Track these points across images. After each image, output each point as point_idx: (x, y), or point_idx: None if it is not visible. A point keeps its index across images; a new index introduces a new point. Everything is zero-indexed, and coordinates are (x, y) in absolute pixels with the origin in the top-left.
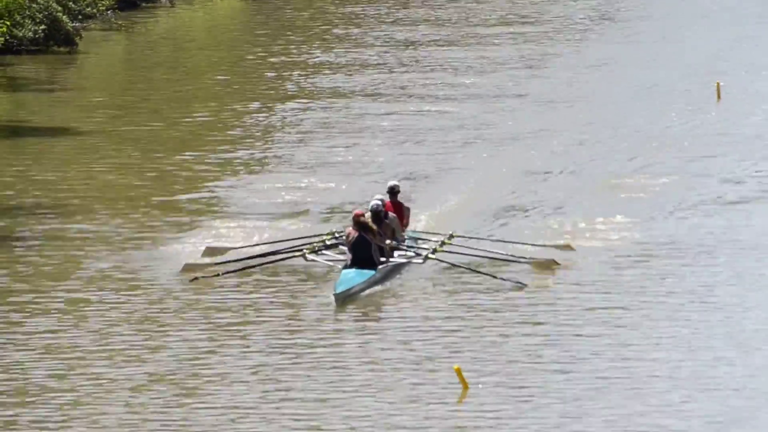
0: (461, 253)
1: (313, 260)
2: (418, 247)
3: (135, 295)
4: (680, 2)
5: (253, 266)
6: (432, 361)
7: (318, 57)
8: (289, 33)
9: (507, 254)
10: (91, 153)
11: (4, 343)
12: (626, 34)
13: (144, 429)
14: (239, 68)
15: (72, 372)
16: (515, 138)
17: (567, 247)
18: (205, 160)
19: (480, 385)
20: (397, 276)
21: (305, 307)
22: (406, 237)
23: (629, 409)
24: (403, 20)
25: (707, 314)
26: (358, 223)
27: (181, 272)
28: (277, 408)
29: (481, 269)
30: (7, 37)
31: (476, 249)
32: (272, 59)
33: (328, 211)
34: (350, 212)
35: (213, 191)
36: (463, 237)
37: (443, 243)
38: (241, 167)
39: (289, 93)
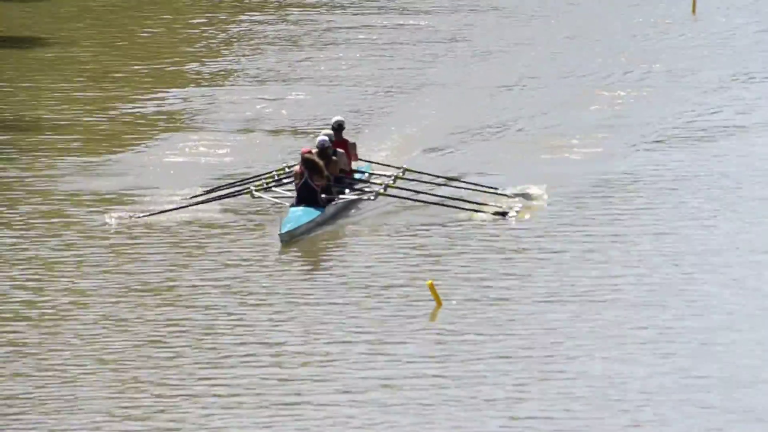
0: (415, 190)
1: (260, 197)
2: (370, 183)
3: (52, 244)
4: None
5: (185, 206)
6: (390, 298)
7: None
8: None
9: (469, 185)
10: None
11: None
12: None
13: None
14: None
15: None
16: (485, 54)
17: (533, 197)
18: (153, 72)
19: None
20: (348, 214)
21: (247, 248)
22: (358, 172)
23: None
24: None
25: (679, 240)
26: (305, 160)
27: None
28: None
29: (447, 202)
30: None
31: (432, 184)
32: None
33: (285, 137)
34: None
35: (160, 104)
36: (418, 172)
37: (396, 178)
38: (192, 82)
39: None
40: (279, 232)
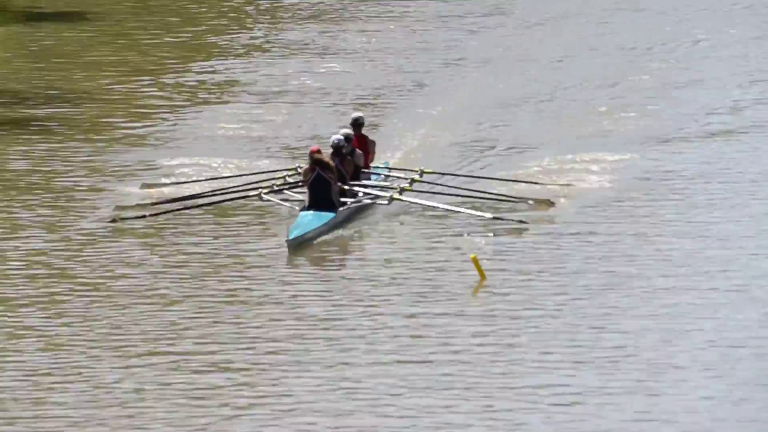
0: (433, 192)
1: (269, 200)
2: (385, 186)
3: (53, 244)
4: None
5: (193, 207)
6: (393, 313)
7: None
8: None
9: (489, 193)
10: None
11: None
12: None
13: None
14: None
15: None
16: (493, 60)
17: (565, 187)
18: (158, 83)
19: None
20: (360, 218)
21: (253, 255)
22: (372, 174)
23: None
24: None
25: (709, 246)
26: (314, 160)
27: (111, 215)
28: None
29: (461, 209)
30: None
31: (451, 187)
32: None
33: (295, 141)
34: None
35: (165, 119)
36: (436, 174)
37: (413, 181)
38: (198, 93)
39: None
40: (286, 238)
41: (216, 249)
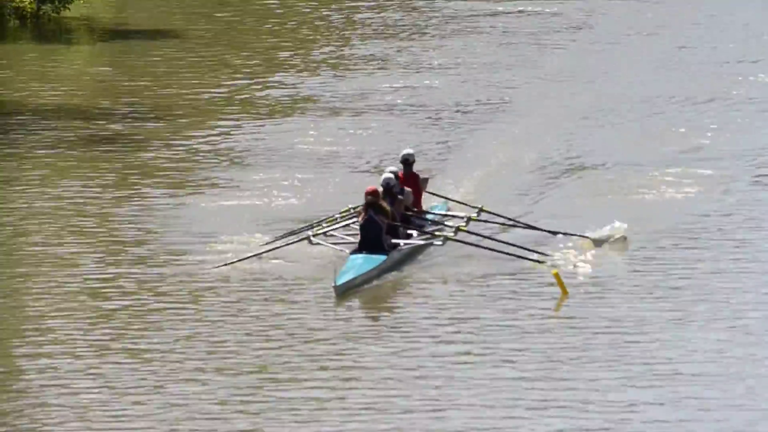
0: (489, 235)
1: (318, 243)
2: (440, 226)
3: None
4: None
5: (251, 256)
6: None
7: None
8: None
9: (551, 232)
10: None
11: None
12: None
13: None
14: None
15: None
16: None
17: (621, 240)
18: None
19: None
20: (413, 262)
21: (298, 303)
22: (428, 213)
23: None
24: None
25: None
26: (368, 202)
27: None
28: None
29: (516, 252)
30: None
31: (513, 225)
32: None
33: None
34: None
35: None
36: (494, 214)
37: (469, 220)
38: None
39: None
40: (333, 284)
41: (263, 300)
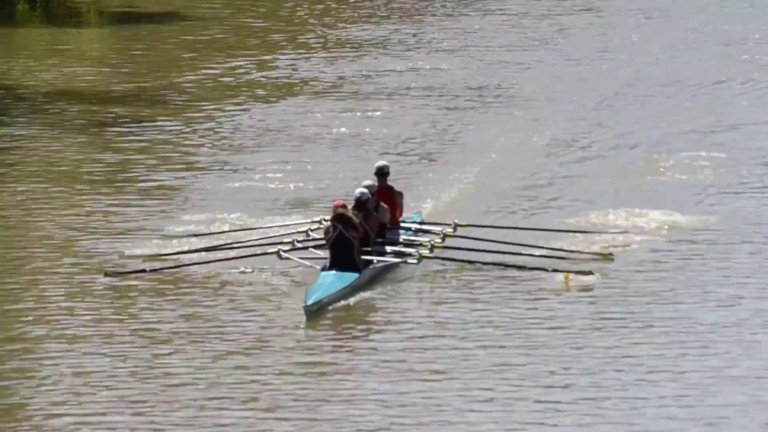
0: (470, 249)
1: (288, 258)
2: (414, 242)
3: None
4: None
5: (206, 262)
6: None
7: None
8: None
9: (538, 247)
10: None
11: None
12: None
13: None
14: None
15: None
16: (535, 99)
17: (607, 257)
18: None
19: None
20: (386, 280)
21: (266, 323)
22: (402, 228)
23: None
24: None
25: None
26: (336, 216)
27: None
28: None
29: (508, 263)
30: None
31: (492, 241)
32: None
33: (318, 193)
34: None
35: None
36: (471, 225)
37: (445, 236)
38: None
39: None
40: (304, 304)
41: (223, 316)
